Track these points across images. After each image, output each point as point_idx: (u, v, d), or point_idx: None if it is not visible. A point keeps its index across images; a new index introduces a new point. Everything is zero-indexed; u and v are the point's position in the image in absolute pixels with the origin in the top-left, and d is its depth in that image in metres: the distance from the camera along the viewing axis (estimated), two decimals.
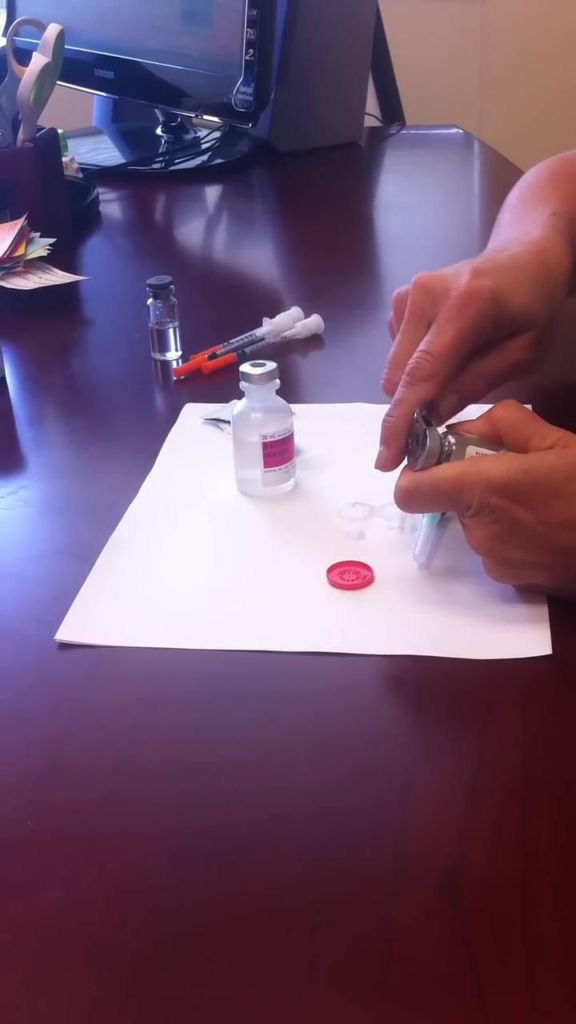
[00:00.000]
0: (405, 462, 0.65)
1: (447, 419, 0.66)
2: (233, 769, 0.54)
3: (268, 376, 0.74)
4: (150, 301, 0.96)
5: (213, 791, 0.53)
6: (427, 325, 0.67)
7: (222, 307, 1.14)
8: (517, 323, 0.68)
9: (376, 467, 0.66)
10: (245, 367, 0.74)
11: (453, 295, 0.66)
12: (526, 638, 0.60)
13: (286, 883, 0.47)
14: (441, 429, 0.64)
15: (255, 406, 0.74)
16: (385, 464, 0.65)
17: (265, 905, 0.46)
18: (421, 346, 0.65)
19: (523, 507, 0.58)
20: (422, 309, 0.68)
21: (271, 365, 0.74)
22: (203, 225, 1.49)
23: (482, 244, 1.38)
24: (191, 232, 1.45)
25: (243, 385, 0.74)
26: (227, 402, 0.86)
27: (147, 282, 0.96)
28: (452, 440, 0.63)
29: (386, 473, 0.65)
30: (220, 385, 0.92)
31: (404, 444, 0.65)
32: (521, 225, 0.79)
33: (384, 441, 0.65)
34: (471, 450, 0.62)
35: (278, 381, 0.74)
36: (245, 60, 1.38)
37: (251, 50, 1.37)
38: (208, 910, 0.46)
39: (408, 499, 0.63)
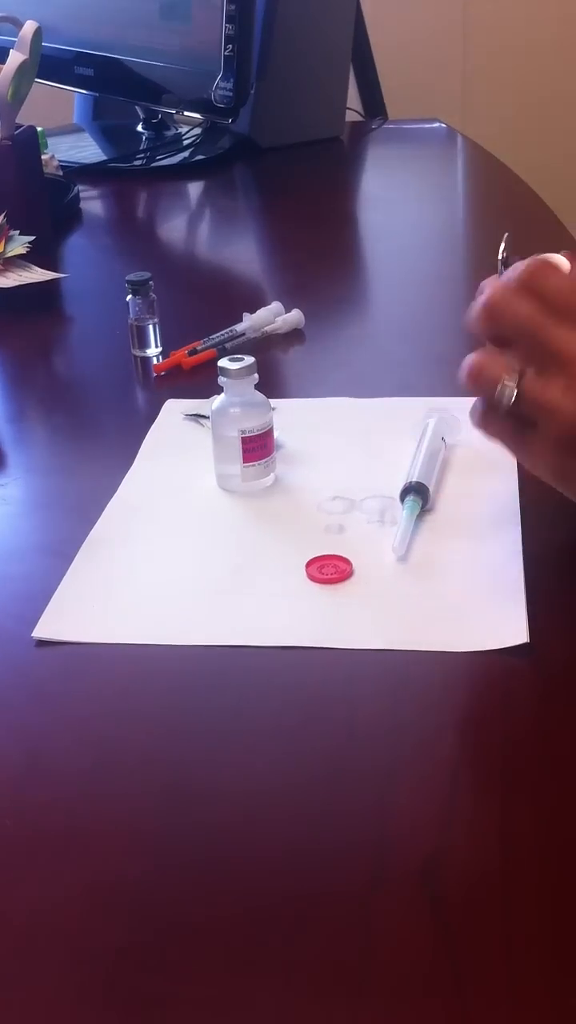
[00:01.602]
0: None
1: None
2: (212, 765, 0.54)
3: (246, 371, 0.73)
4: (129, 298, 0.95)
5: (192, 787, 0.53)
6: None
7: (203, 303, 1.14)
8: None
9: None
10: (223, 362, 0.74)
11: None
12: (503, 628, 0.60)
13: (265, 879, 0.47)
14: None
15: (234, 401, 0.74)
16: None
17: (244, 901, 0.46)
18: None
19: None
20: None
21: (249, 360, 0.74)
22: (185, 221, 1.49)
23: (466, 239, 1.39)
24: (173, 229, 1.45)
25: (221, 380, 0.74)
26: (208, 398, 0.86)
27: (126, 278, 0.95)
28: None
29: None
30: (201, 381, 0.91)
31: None
32: None
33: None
34: None
35: (257, 376, 0.74)
36: (224, 55, 1.38)
37: (230, 45, 1.36)
38: (187, 907, 0.46)
39: (536, 270, 0.54)
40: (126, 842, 0.50)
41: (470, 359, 0.56)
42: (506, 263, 0.59)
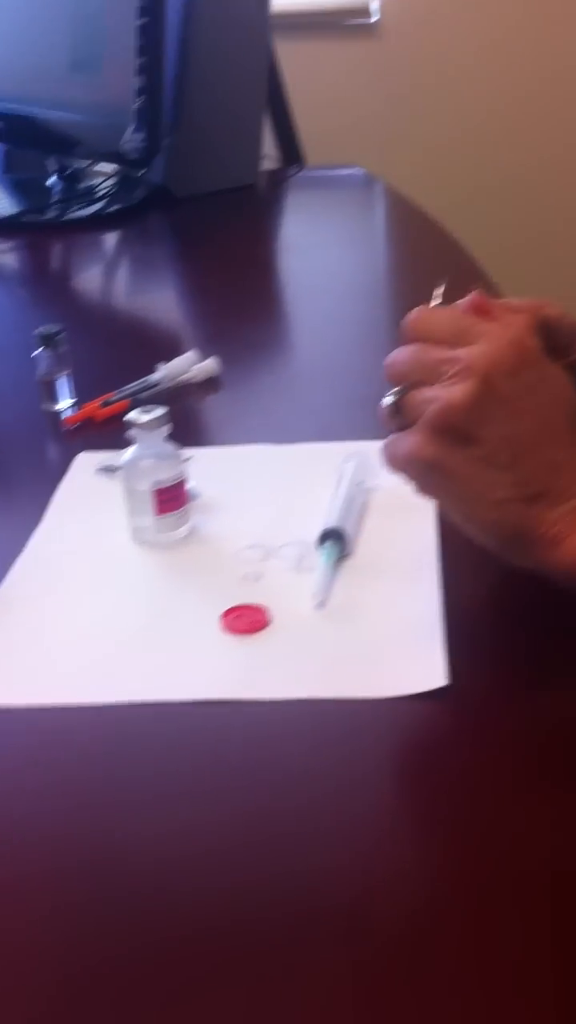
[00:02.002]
0: None
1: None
2: (129, 825, 0.52)
3: (157, 423, 0.72)
4: (39, 351, 0.94)
5: (109, 849, 0.51)
6: None
7: (119, 353, 1.13)
8: None
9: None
10: (133, 414, 0.72)
11: None
12: (422, 672, 0.59)
13: (187, 932, 0.45)
14: None
15: (145, 453, 0.73)
16: None
17: (165, 954, 0.44)
18: None
19: (531, 366, 0.55)
20: None
21: (160, 411, 0.72)
22: (100, 272, 1.48)
23: (387, 283, 1.39)
24: (88, 280, 1.44)
25: (131, 432, 0.72)
26: (121, 450, 0.84)
27: (35, 332, 0.94)
28: None
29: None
30: (115, 433, 0.89)
31: None
32: None
33: None
34: None
35: (168, 427, 0.73)
36: (136, 107, 1.38)
37: (141, 97, 1.36)
38: (109, 962, 0.44)
39: (421, 317, 0.59)
40: (46, 912, 0.47)
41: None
42: None
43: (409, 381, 0.58)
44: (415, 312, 0.59)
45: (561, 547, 0.55)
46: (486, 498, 0.56)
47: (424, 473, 0.58)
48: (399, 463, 0.58)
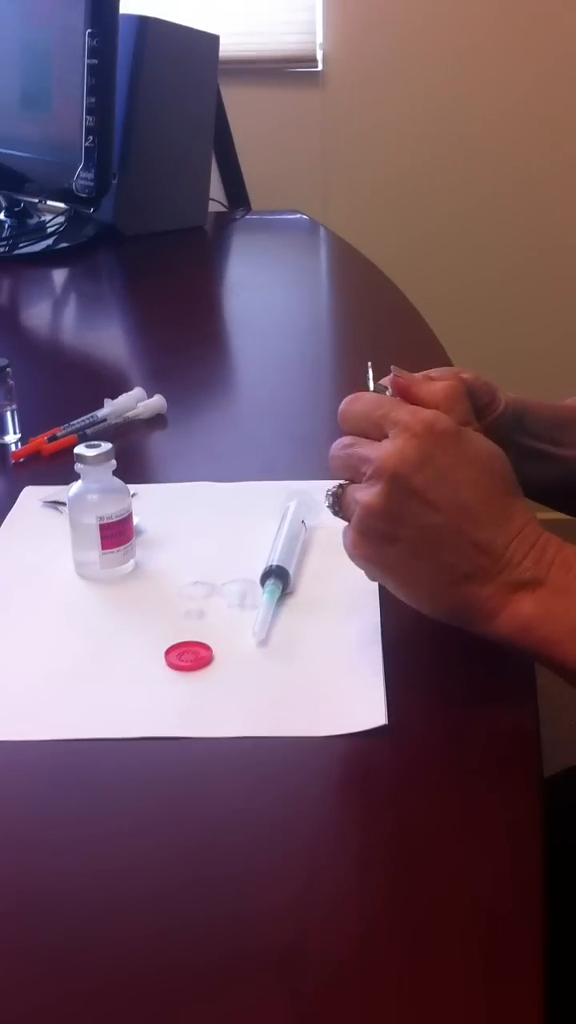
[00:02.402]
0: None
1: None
2: (67, 864, 0.52)
3: (103, 457, 0.73)
4: None
5: (46, 885, 0.51)
6: None
7: (65, 388, 1.13)
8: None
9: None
10: (80, 449, 0.73)
11: None
12: (362, 711, 0.60)
13: (121, 976, 0.46)
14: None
15: (91, 487, 0.73)
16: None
17: (99, 1000, 0.44)
18: None
19: (444, 449, 0.58)
20: None
21: (106, 446, 0.73)
22: (48, 308, 1.49)
23: (327, 324, 1.42)
24: (36, 315, 1.44)
25: (78, 467, 0.73)
26: (67, 484, 0.85)
27: None
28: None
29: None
30: (61, 467, 0.90)
31: None
32: None
33: None
34: None
35: (114, 462, 0.74)
36: (85, 146, 1.39)
37: (91, 136, 1.38)
38: (41, 1010, 0.44)
39: (347, 405, 0.62)
40: None
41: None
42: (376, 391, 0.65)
43: (345, 476, 0.62)
44: (344, 403, 0.62)
45: (496, 620, 0.58)
46: (420, 585, 0.60)
47: (363, 566, 0.62)
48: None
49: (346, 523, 0.62)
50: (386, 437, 0.59)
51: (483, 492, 0.58)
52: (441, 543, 0.58)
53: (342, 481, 0.62)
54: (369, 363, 0.67)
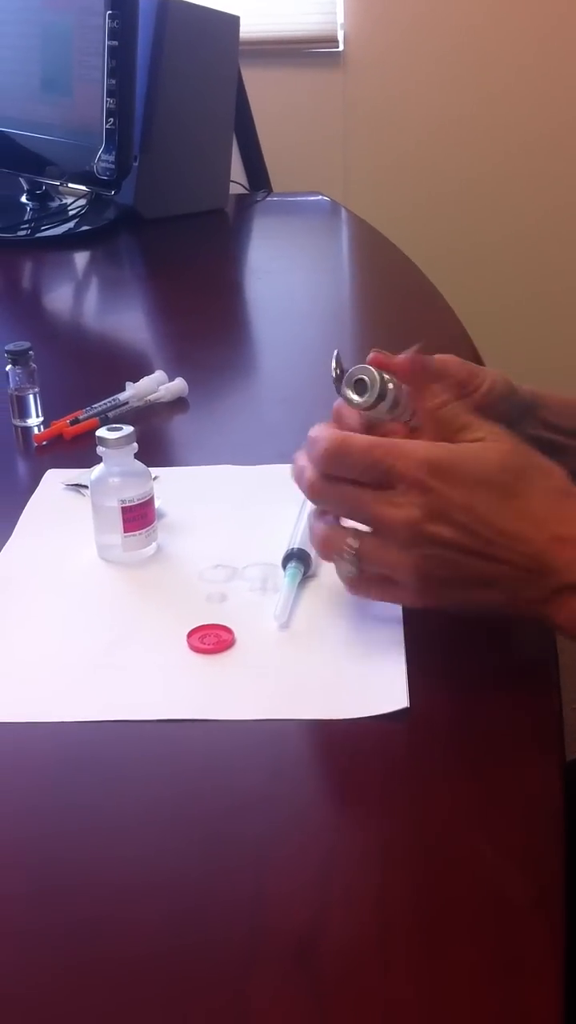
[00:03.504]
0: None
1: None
2: (86, 844, 0.52)
3: (125, 440, 0.73)
4: (9, 368, 0.95)
5: (65, 866, 0.51)
6: None
7: (87, 372, 1.14)
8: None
9: None
10: (101, 432, 0.73)
11: None
12: (384, 694, 0.60)
13: (138, 958, 0.46)
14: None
15: (113, 471, 0.74)
16: None
17: (116, 982, 0.45)
18: None
19: (455, 490, 0.58)
20: None
21: (128, 429, 0.73)
22: (70, 291, 1.49)
23: (351, 309, 1.41)
24: (57, 298, 1.45)
25: (100, 450, 0.73)
26: (90, 467, 0.85)
27: (5, 348, 0.94)
28: (394, 387, 0.63)
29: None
30: (83, 450, 0.90)
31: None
32: None
33: None
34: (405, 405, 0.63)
35: (136, 445, 0.74)
36: (106, 128, 1.39)
37: (111, 119, 1.38)
38: (56, 992, 0.45)
39: (336, 455, 0.60)
40: None
41: (317, 530, 0.64)
42: (340, 379, 0.64)
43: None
44: (329, 445, 0.60)
45: (557, 621, 0.60)
46: (479, 608, 0.61)
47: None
48: None
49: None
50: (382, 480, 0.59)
51: (505, 511, 0.58)
52: (488, 577, 0.59)
53: (349, 540, 0.62)
54: (336, 352, 0.65)
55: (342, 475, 0.61)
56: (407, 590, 0.61)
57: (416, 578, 0.60)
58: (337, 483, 0.61)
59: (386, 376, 0.63)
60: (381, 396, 0.62)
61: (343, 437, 0.61)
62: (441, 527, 0.58)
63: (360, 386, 0.63)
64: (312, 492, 0.63)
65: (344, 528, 0.63)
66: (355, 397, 0.63)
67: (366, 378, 0.63)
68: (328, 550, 0.64)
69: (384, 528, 0.60)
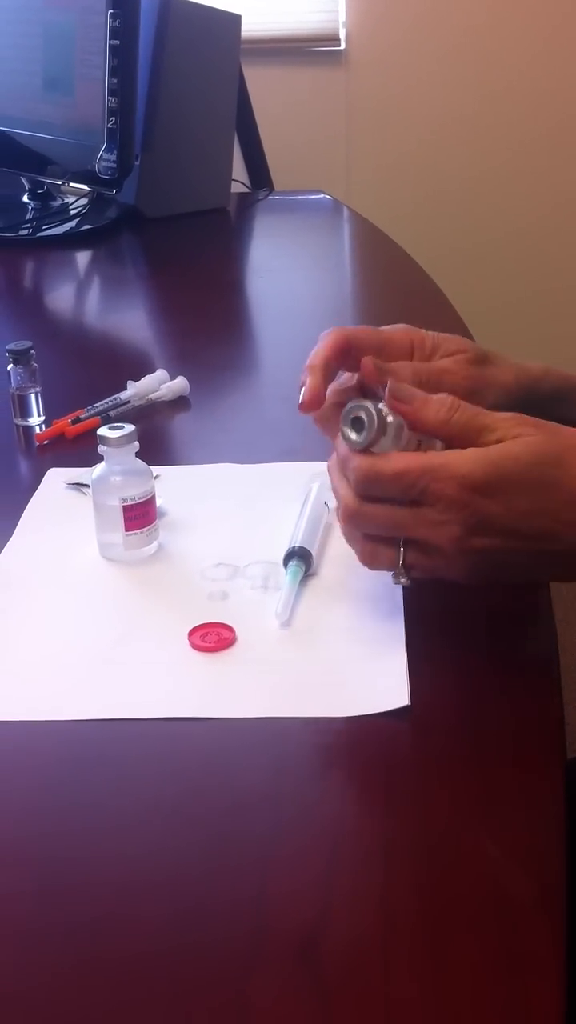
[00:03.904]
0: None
1: (373, 372, 0.63)
2: (89, 842, 0.52)
3: (126, 439, 0.73)
4: (10, 367, 0.95)
5: (68, 864, 0.51)
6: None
7: (88, 371, 1.14)
8: (444, 349, 0.69)
9: (299, 407, 0.64)
10: (103, 430, 0.73)
11: None
12: (385, 691, 0.60)
13: (140, 956, 0.46)
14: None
15: (114, 469, 0.74)
16: (308, 400, 0.64)
17: (120, 980, 0.45)
18: None
19: (492, 499, 0.57)
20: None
21: (129, 428, 0.73)
22: (72, 290, 1.49)
23: (353, 305, 1.41)
24: (59, 297, 1.45)
25: (101, 449, 0.73)
26: (91, 466, 0.85)
27: (7, 348, 0.94)
28: (393, 420, 0.60)
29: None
30: (85, 449, 0.90)
31: (326, 375, 0.64)
32: None
33: (303, 379, 0.64)
34: (408, 433, 0.60)
35: (137, 444, 0.74)
36: (108, 128, 1.39)
37: (113, 118, 1.38)
38: (61, 989, 0.45)
39: (368, 483, 0.60)
40: None
41: (360, 546, 0.64)
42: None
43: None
44: (357, 473, 0.60)
45: None
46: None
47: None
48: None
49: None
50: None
51: (549, 503, 0.58)
52: (533, 566, 0.61)
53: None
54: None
55: (380, 497, 0.60)
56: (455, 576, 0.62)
57: (467, 580, 0.61)
58: (373, 505, 0.61)
59: (384, 409, 0.60)
60: (382, 431, 0.59)
61: (371, 464, 0.59)
62: (484, 539, 0.58)
63: (358, 424, 0.60)
64: (348, 519, 0.62)
65: (387, 542, 0.62)
66: (354, 436, 0.60)
67: (363, 415, 0.60)
68: (375, 564, 0.63)
69: (428, 547, 0.60)
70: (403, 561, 0.61)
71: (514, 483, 0.58)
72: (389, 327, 0.69)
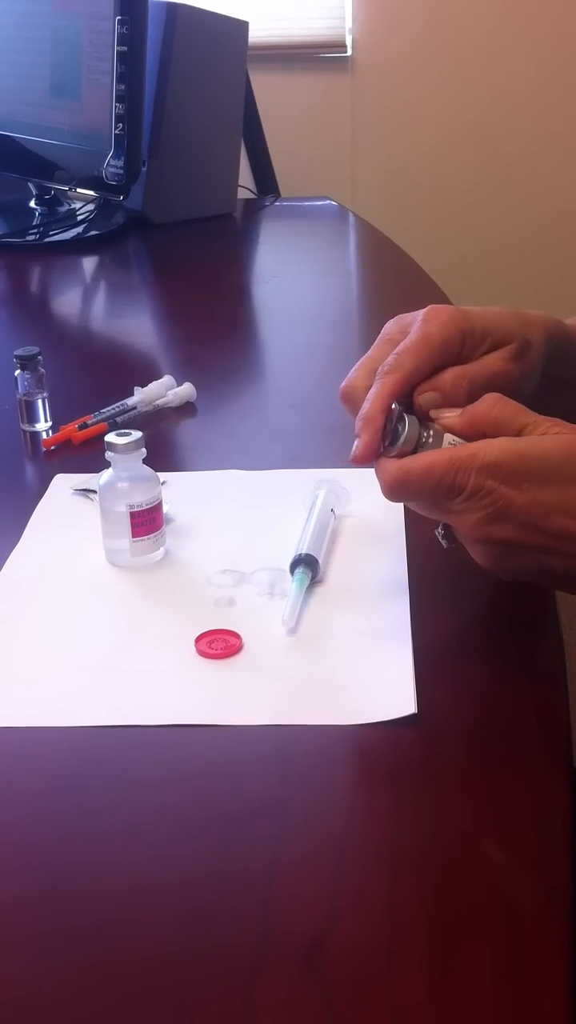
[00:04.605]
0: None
1: (426, 411, 0.64)
2: (94, 847, 0.52)
3: (134, 445, 0.73)
4: (18, 372, 0.95)
5: (74, 870, 0.51)
6: (394, 347, 0.67)
7: (95, 377, 1.14)
8: (492, 337, 0.67)
9: (351, 460, 0.64)
10: (110, 437, 0.74)
11: (420, 314, 0.67)
12: (391, 700, 0.60)
13: (147, 961, 0.46)
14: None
15: (121, 475, 0.74)
16: (361, 455, 0.63)
17: (125, 984, 0.45)
18: (393, 351, 0.66)
19: (517, 489, 0.57)
20: (391, 334, 0.69)
21: (136, 434, 0.74)
22: (78, 296, 1.49)
23: (359, 312, 1.42)
24: (66, 303, 1.45)
25: (109, 455, 0.73)
26: (98, 472, 0.85)
27: (14, 353, 0.95)
28: (430, 432, 0.62)
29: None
30: (91, 455, 0.91)
31: (379, 432, 0.63)
32: None
33: (358, 431, 0.64)
34: (448, 439, 0.62)
35: (144, 450, 0.74)
36: (115, 134, 1.39)
37: (120, 124, 1.38)
38: (66, 994, 0.45)
39: (398, 488, 0.61)
40: (3, 929, 0.48)
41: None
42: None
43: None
44: (389, 480, 0.61)
45: None
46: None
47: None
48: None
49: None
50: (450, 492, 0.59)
51: (564, 502, 0.58)
52: (561, 569, 0.60)
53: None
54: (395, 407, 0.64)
55: (412, 500, 0.63)
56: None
57: (489, 568, 0.62)
58: (414, 495, 0.62)
59: (419, 423, 0.63)
60: (412, 444, 0.63)
61: (399, 469, 0.61)
62: (502, 528, 0.58)
63: (394, 435, 0.63)
64: (390, 493, 0.63)
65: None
66: (388, 445, 0.63)
67: (400, 428, 0.63)
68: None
69: (457, 532, 0.62)
70: (441, 527, 0.65)
71: (541, 475, 0.58)
72: (437, 326, 0.66)
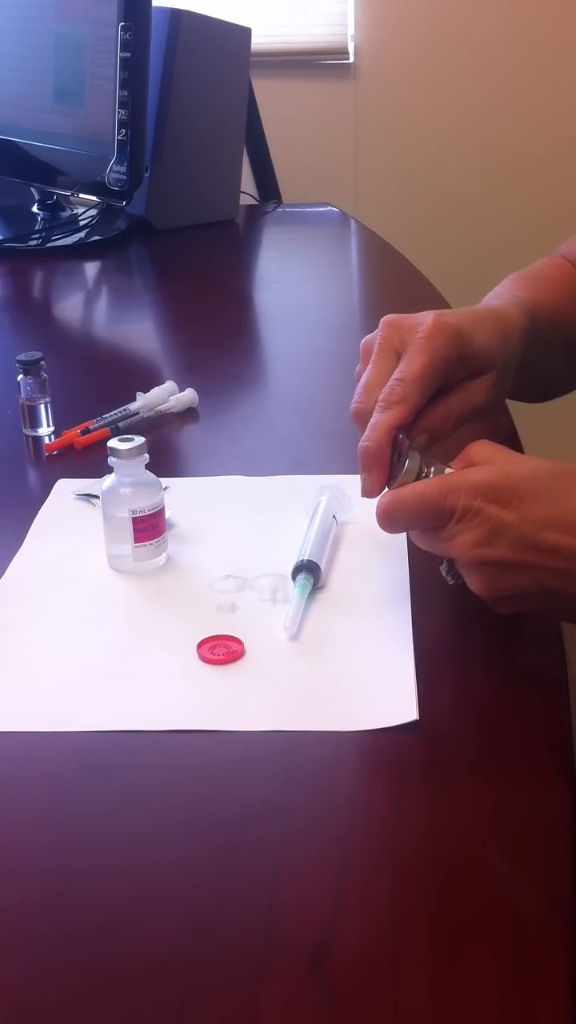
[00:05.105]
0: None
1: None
2: (97, 852, 0.53)
3: (136, 451, 0.73)
4: (20, 377, 0.95)
5: (77, 875, 0.51)
6: (396, 357, 0.69)
7: (97, 382, 1.14)
8: (478, 362, 0.71)
9: (362, 494, 0.66)
10: (113, 442, 0.74)
11: (421, 329, 0.69)
12: (393, 706, 0.60)
13: (151, 966, 0.46)
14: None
15: (124, 481, 0.74)
16: (371, 490, 0.65)
17: (129, 989, 0.45)
18: (394, 375, 0.67)
19: (507, 507, 0.58)
20: (391, 343, 0.70)
21: (139, 440, 0.74)
22: (80, 301, 1.49)
23: (360, 318, 1.42)
24: (68, 308, 1.45)
25: (111, 460, 0.74)
26: (100, 477, 0.85)
27: (17, 358, 0.95)
28: (432, 469, 0.64)
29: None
30: (94, 460, 0.91)
31: (387, 467, 0.65)
32: (488, 301, 0.85)
33: (366, 467, 0.65)
34: (447, 471, 0.64)
35: (147, 456, 0.74)
36: (118, 139, 1.40)
37: (123, 130, 1.39)
38: (69, 998, 0.45)
39: (391, 516, 0.63)
40: (6, 933, 0.48)
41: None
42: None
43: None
44: (383, 509, 0.63)
45: None
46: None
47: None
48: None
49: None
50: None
51: (563, 518, 0.58)
52: (557, 587, 0.60)
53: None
54: (402, 438, 0.66)
55: (407, 528, 0.64)
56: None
57: (487, 595, 0.62)
58: (406, 524, 0.64)
59: (420, 457, 0.65)
60: (419, 476, 0.65)
61: (392, 497, 0.63)
62: (495, 548, 0.59)
63: (396, 465, 0.66)
64: (383, 520, 0.64)
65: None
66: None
67: (407, 459, 0.65)
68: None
69: (454, 560, 0.63)
70: (445, 563, 0.66)
71: (530, 491, 0.59)
72: (441, 347, 0.69)
